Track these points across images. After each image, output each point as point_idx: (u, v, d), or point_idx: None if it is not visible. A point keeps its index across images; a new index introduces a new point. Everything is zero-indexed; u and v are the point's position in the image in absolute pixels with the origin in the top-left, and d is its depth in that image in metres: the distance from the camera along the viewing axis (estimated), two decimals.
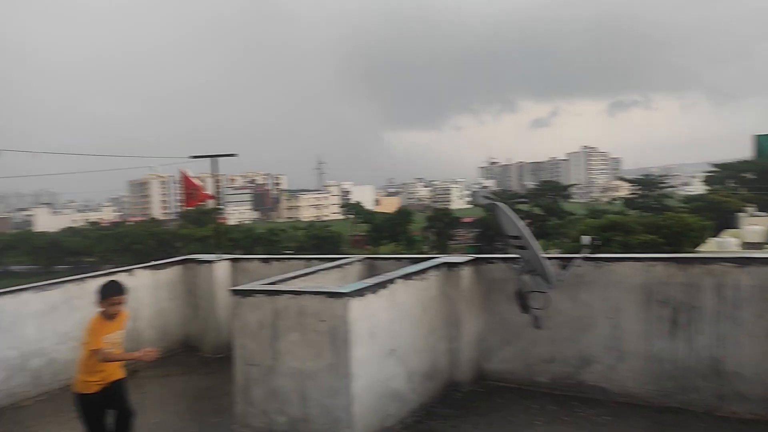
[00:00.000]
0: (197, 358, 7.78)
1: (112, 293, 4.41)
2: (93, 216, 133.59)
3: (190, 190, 8.98)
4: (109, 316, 4.40)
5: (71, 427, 5.08)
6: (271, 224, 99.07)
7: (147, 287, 7.79)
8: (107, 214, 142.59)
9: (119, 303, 4.46)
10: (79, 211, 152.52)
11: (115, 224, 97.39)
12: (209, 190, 9.84)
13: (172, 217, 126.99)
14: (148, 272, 7.85)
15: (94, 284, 7.16)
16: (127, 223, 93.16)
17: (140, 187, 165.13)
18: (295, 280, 5.85)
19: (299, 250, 64.87)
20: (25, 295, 6.51)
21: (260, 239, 70.37)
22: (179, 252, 74.96)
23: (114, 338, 4.43)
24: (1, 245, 78.46)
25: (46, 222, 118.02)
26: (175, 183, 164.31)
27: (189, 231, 74.14)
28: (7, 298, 6.38)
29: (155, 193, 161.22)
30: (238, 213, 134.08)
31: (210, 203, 10.32)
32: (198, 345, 8.00)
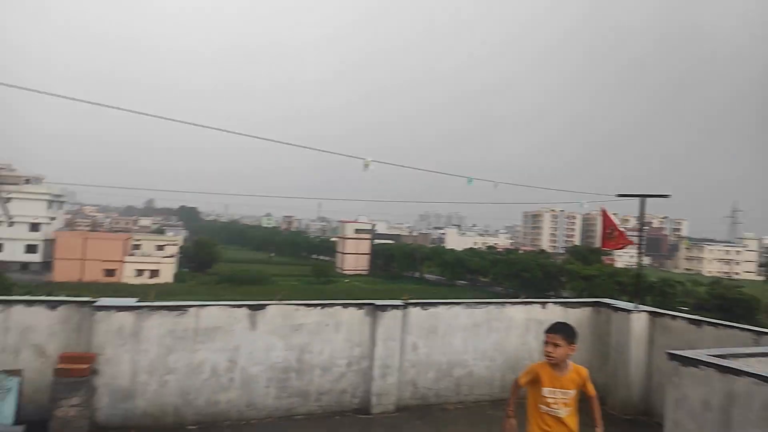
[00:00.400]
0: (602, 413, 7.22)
1: (550, 330, 3.77)
2: (490, 240, 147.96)
3: (609, 230, 8.51)
4: (551, 363, 3.68)
5: None
6: (665, 273, 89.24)
7: None
8: (502, 241, 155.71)
9: (547, 343, 3.71)
10: (480, 234, 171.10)
11: (508, 251, 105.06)
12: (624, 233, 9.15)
13: (559, 250, 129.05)
14: (559, 308, 7.78)
15: (512, 310, 7.57)
16: (519, 252, 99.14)
17: (533, 219, 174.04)
18: (752, 359, 4.69)
19: (697, 310, 56.09)
20: (456, 309, 7.28)
21: (652, 288, 64.07)
22: (563, 286, 75.49)
23: (555, 395, 3.61)
24: (421, 256, 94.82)
25: (454, 241, 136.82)
26: (566, 218, 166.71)
27: (575, 267, 73.74)
28: (443, 309, 7.24)
29: (546, 225, 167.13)
30: (628, 256, 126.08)
31: (628, 248, 9.61)
32: (602, 399, 7.45)
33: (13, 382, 5.98)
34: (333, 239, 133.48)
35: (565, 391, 3.62)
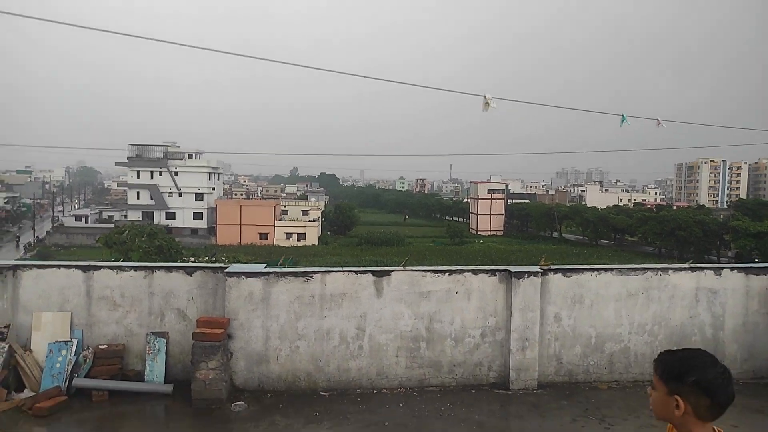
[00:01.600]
0: None
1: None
2: (638, 197, 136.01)
3: None
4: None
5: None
6: None
7: (736, 293, 6.38)
8: (651, 196, 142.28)
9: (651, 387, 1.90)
10: (625, 190, 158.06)
11: (659, 207, 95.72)
12: None
13: (723, 206, 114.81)
14: (739, 275, 6.40)
15: (677, 277, 6.38)
16: (673, 208, 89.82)
17: (688, 171, 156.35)
18: None
19: None
20: (606, 276, 6.29)
21: None
22: (727, 246, 66.93)
23: None
24: (560, 215, 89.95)
25: (596, 198, 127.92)
26: (730, 169, 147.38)
27: (742, 223, 64.85)
28: (590, 276, 6.29)
29: (705, 178, 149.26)
30: None
31: None
32: None
33: (161, 343, 6.30)
34: (466, 200, 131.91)
35: None
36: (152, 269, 6.22)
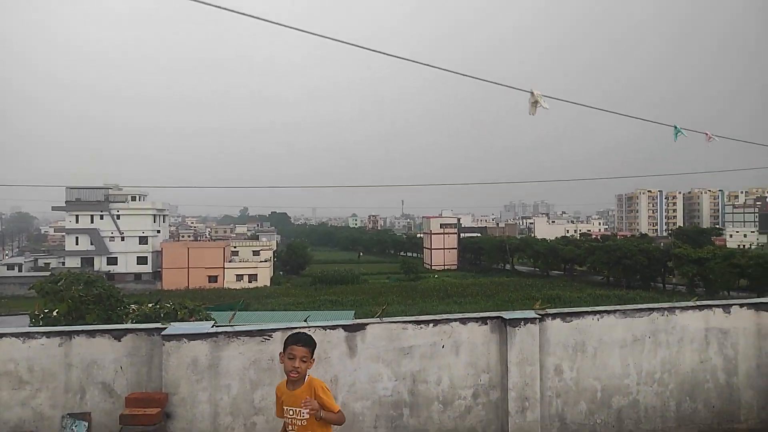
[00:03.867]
0: None
1: (288, 341, 3.45)
2: (583, 227, 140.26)
3: None
4: (288, 378, 3.43)
5: None
6: None
7: (747, 332, 5.75)
8: (595, 227, 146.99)
9: (293, 357, 3.39)
10: (571, 221, 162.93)
11: (604, 237, 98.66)
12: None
13: (662, 234, 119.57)
14: (749, 312, 5.79)
15: (684, 318, 5.69)
16: (616, 237, 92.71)
17: (628, 202, 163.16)
18: None
19: None
20: (609, 319, 5.53)
21: None
22: (671, 273, 69.18)
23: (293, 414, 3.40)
24: (512, 247, 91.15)
25: (544, 230, 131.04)
26: (666, 199, 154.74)
27: (683, 250, 67.37)
28: (591, 320, 5.53)
29: (644, 208, 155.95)
30: (740, 235, 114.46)
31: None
32: None
33: (80, 427, 5.03)
34: (419, 235, 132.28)
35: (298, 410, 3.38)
36: (70, 335, 5.00)
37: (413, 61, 5.39)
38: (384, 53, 5.47)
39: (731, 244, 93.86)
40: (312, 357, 3.44)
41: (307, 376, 3.43)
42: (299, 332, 3.61)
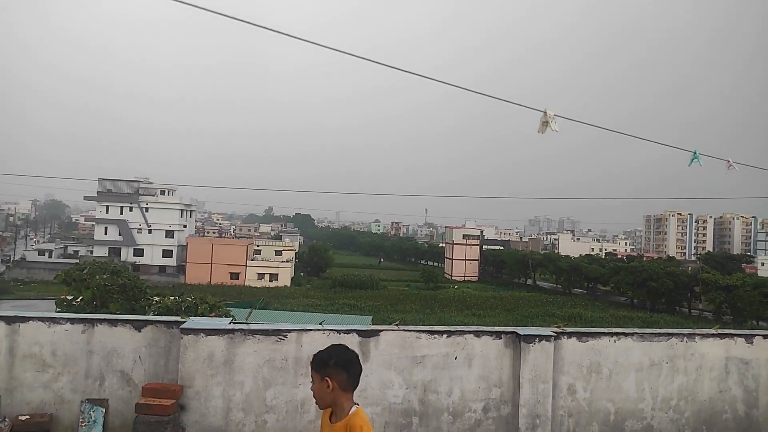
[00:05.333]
0: None
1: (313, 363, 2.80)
2: (608, 246, 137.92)
3: None
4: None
5: None
6: None
7: None
8: (621, 246, 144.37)
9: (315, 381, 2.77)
10: (596, 240, 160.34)
11: (630, 257, 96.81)
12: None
13: (690, 258, 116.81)
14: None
15: (704, 345, 5.58)
16: (643, 258, 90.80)
17: (656, 223, 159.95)
18: None
19: None
20: (626, 342, 5.47)
21: None
22: (697, 298, 67.42)
23: None
24: (534, 263, 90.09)
25: (568, 247, 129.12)
26: (696, 222, 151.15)
27: (711, 276, 65.66)
28: (608, 341, 5.46)
29: (672, 230, 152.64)
30: None
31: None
32: None
33: (98, 413, 5.17)
34: (441, 245, 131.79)
35: None
36: (93, 322, 5.15)
37: (425, 77, 5.43)
38: (396, 68, 5.54)
39: (762, 272, 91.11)
40: (325, 377, 2.70)
41: (353, 409, 2.73)
42: (315, 354, 2.86)
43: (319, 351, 2.82)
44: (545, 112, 5.33)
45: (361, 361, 5.08)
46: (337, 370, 2.71)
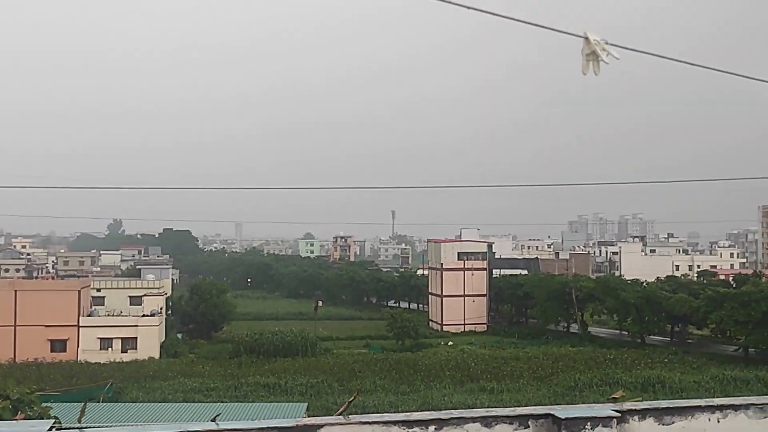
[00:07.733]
0: None
1: None
2: (704, 260, 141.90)
3: None
4: None
5: None
6: None
7: None
8: (726, 260, 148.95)
9: None
10: (683, 251, 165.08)
11: (740, 277, 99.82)
12: None
13: None
14: None
15: None
16: (762, 279, 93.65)
17: None
18: None
19: None
20: (738, 419, 5.77)
21: None
22: None
23: None
24: (581, 295, 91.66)
25: (636, 264, 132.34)
26: None
27: None
28: (705, 420, 5.75)
29: None
30: None
31: None
32: None
33: None
34: (421, 271, 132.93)
35: None
36: None
37: None
38: None
39: None
40: None
41: None
42: None
43: None
44: (587, 39, 5.43)
45: None
46: None
